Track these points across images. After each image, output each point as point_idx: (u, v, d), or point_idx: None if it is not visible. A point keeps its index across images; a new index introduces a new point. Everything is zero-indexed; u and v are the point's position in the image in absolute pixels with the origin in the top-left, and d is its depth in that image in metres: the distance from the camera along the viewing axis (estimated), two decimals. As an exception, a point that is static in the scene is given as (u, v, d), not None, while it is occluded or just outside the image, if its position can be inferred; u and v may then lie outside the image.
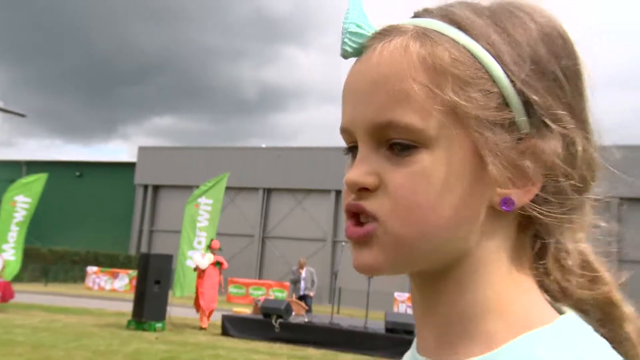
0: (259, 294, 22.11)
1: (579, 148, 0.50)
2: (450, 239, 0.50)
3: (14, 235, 14.81)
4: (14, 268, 14.56)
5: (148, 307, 11.88)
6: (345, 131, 0.54)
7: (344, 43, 0.54)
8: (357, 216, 0.51)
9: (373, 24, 0.54)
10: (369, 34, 0.54)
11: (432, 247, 0.50)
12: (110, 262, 31.01)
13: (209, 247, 12.99)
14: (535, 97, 0.49)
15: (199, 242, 14.03)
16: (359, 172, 0.51)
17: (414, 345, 0.58)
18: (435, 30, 0.51)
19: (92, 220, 36.65)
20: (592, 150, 0.52)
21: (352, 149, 0.55)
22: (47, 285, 25.99)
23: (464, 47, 0.50)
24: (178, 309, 14.09)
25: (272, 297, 18.55)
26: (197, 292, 12.74)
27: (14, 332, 10.03)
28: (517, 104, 0.49)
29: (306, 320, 12.01)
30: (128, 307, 13.37)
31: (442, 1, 0.54)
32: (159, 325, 11.93)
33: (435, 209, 0.49)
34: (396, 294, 22.05)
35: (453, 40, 0.50)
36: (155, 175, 34.26)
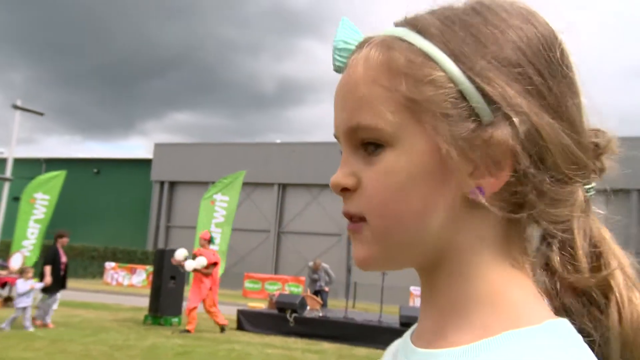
0: (275, 289, 22.22)
1: (548, 140, 0.50)
2: (425, 228, 0.52)
3: (34, 232, 15.04)
4: (31, 264, 14.78)
5: (164, 302, 12.01)
6: (336, 137, 0.59)
7: (334, 59, 0.59)
8: (350, 217, 0.56)
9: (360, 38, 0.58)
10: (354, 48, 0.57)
11: (409, 237, 0.53)
12: (128, 257, 31.38)
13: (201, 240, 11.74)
14: (491, 89, 0.50)
15: (214, 238, 14.11)
16: (340, 174, 0.55)
17: (408, 333, 0.60)
18: (396, 37, 0.54)
19: (110, 217, 37.09)
20: (574, 145, 0.51)
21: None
22: (67, 281, 26.32)
23: (419, 49, 0.52)
24: (194, 303, 14.19)
25: (287, 292, 18.62)
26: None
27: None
28: (475, 96, 0.50)
29: (321, 314, 12.05)
30: (145, 302, 13.53)
31: (425, 9, 0.56)
32: (175, 320, 12.05)
33: (405, 201, 0.52)
34: (412, 288, 21.92)
35: (410, 44, 0.53)
36: (171, 171, 34.53)
